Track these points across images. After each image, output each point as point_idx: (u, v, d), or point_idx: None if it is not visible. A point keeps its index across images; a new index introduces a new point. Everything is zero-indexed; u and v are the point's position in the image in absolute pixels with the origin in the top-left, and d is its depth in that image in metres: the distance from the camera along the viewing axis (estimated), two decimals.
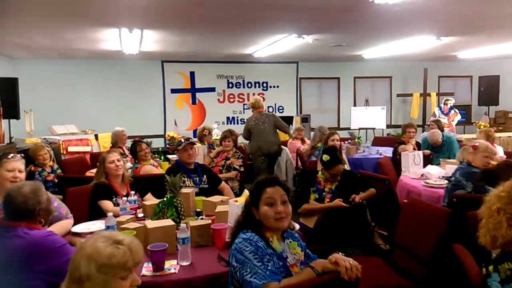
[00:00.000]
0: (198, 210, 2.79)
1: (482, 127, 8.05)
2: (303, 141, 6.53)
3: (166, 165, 4.80)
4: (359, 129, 8.99)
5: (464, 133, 8.45)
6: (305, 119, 8.43)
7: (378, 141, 7.36)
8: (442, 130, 5.73)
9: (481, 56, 8.61)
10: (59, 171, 4.72)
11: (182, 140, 3.61)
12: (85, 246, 1.30)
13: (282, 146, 6.15)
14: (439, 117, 7.88)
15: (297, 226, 2.26)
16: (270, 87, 9.36)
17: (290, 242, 1.86)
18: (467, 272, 1.65)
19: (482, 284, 1.48)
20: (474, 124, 9.04)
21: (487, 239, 1.52)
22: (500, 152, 4.35)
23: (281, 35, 5.95)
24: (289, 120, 8.41)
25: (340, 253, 1.64)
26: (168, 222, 2.29)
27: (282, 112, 9.35)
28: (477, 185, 2.75)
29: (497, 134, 8.20)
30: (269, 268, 1.65)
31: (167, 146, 7.57)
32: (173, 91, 8.78)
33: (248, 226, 1.79)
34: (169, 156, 5.62)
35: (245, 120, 6.16)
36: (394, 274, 2.64)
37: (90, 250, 1.27)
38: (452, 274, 2.47)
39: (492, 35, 6.38)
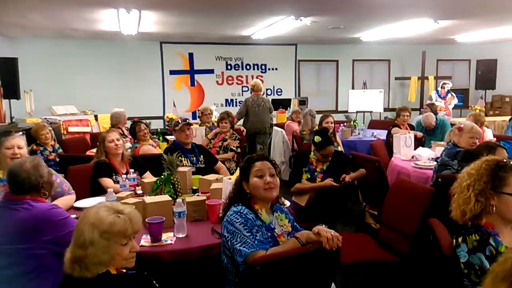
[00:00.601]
0: (194, 187, 2.93)
1: (477, 111, 8.16)
2: (300, 124, 6.63)
3: (165, 145, 4.91)
4: (357, 112, 9.07)
5: (460, 117, 8.54)
6: (303, 102, 8.51)
7: (374, 124, 7.47)
8: (436, 114, 5.83)
9: (479, 39, 8.62)
10: (60, 150, 4.83)
11: (180, 121, 3.72)
12: (89, 215, 1.42)
13: (279, 128, 6.37)
14: (436, 100, 7.97)
15: (287, 203, 2.39)
16: (269, 69, 9.39)
17: (279, 214, 2.01)
18: (439, 243, 1.79)
19: (453, 254, 1.62)
20: (470, 107, 9.13)
21: (457, 213, 1.65)
22: (489, 135, 4.46)
23: (278, 17, 5.97)
24: (287, 102, 8.51)
25: (324, 225, 1.78)
26: (165, 197, 2.42)
27: (281, 94, 9.41)
28: (461, 164, 2.87)
29: (493, 118, 8.32)
30: (257, 238, 1.80)
31: (166, 127, 7.67)
32: (172, 72, 8.82)
33: (239, 200, 1.93)
34: (168, 137, 5.73)
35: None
36: (380, 249, 2.79)
37: (93, 218, 1.40)
38: (435, 249, 2.62)
39: (489, 19, 6.41)
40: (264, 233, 1.85)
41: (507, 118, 7.25)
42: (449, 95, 8.15)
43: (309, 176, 3.50)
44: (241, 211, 1.86)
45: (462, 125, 3.30)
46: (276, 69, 9.43)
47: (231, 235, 1.80)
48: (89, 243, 1.38)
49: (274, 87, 9.45)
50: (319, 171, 3.50)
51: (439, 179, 2.89)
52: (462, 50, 9.84)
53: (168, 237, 2.13)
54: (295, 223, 2.07)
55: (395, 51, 9.74)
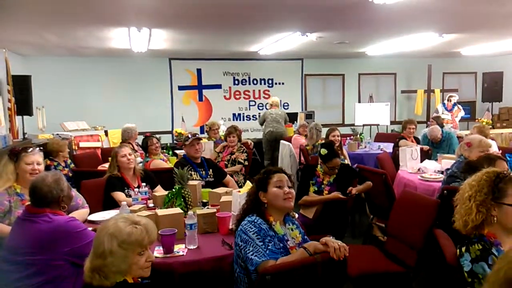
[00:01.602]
0: (204, 201, 3.00)
1: (484, 123, 8.17)
2: (307, 137, 6.70)
3: (174, 159, 5.01)
4: (363, 125, 9.12)
5: (467, 129, 8.55)
6: (310, 116, 8.59)
7: (380, 137, 7.52)
8: (442, 126, 5.87)
9: (485, 52, 8.68)
10: (72, 165, 4.94)
11: (189, 136, 3.81)
12: (108, 226, 1.51)
13: (286, 142, 6.46)
14: (442, 113, 8.01)
15: (295, 215, 2.45)
16: (276, 83, 9.51)
17: (290, 226, 2.08)
18: (444, 253, 1.83)
19: (456, 263, 1.67)
20: (477, 120, 9.13)
21: (460, 223, 1.70)
22: (493, 147, 4.48)
23: (285, 33, 6.11)
24: (293, 116, 8.60)
25: (331, 237, 1.84)
26: (177, 210, 2.50)
27: (287, 108, 9.50)
28: (464, 175, 2.91)
29: (501, 131, 8.31)
30: (269, 248, 1.87)
31: (175, 141, 7.79)
32: (180, 88, 8.98)
33: (253, 211, 2.01)
34: (177, 151, 5.83)
35: (257, 115, 8.31)
36: (388, 260, 2.82)
37: (112, 229, 1.48)
38: (442, 261, 2.65)
39: (494, 32, 6.48)
40: (276, 244, 1.92)
41: None
42: (456, 107, 8.18)
43: (316, 189, 3.55)
44: (255, 221, 1.95)
45: (469, 141, 3.32)
46: (283, 83, 9.55)
47: (245, 243, 1.88)
48: (108, 252, 1.46)
49: (281, 101, 9.47)
50: (326, 184, 3.55)
51: (445, 191, 2.94)
52: (468, 63, 9.89)
53: (180, 249, 2.20)
54: (305, 236, 2.14)
55: (401, 64, 9.82)
